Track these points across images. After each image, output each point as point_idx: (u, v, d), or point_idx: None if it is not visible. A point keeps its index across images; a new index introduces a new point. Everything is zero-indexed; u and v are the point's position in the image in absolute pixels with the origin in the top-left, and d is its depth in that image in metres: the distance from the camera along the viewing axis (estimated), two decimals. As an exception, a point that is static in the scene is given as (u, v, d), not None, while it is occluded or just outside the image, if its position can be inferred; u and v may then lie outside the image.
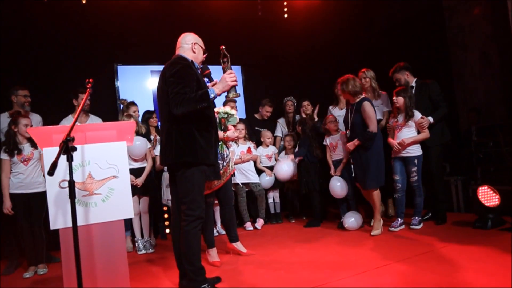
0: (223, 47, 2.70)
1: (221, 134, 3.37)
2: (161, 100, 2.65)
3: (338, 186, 4.30)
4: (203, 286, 2.54)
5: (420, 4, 5.79)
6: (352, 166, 4.13)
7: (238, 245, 3.62)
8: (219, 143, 3.33)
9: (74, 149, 1.82)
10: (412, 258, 2.97)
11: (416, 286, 2.42)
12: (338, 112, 4.75)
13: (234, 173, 4.76)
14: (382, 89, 4.60)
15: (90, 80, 2.20)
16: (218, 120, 3.37)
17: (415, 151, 3.92)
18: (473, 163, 4.45)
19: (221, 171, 3.34)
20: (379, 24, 6.39)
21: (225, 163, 3.42)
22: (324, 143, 4.61)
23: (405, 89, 3.98)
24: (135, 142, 4.03)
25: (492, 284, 2.34)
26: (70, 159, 1.79)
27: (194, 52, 2.75)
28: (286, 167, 4.75)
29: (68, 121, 4.11)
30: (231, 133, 3.47)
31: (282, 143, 5.35)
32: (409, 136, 3.91)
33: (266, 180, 4.97)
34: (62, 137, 1.80)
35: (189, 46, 2.74)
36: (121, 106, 4.56)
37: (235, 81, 2.54)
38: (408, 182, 3.99)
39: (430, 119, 3.95)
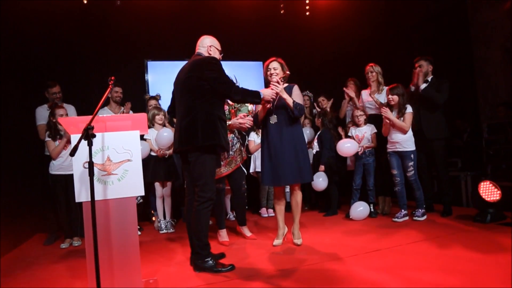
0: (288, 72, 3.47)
1: None
2: (183, 91, 2.93)
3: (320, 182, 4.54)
4: (206, 259, 2.89)
5: (444, 0, 5.79)
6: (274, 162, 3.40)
7: (244, 229, 3.94)
8: None
9: (94, 136, 2.20)
10: (401, 247, 3.19)
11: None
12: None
13: (255, 163, 5.10)
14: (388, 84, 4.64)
15: (112, 77, 2.58)
16: (227, 111, 3.66)
17: (410, 146, 4.06)
18: (484, 159, 4.50)
19: (228, 160, 3.60)
20: (402, 21, 6.42)
21: (232, 152, 3.64)
22: (350, 134, 4.68)
23: (398, 86, 4.09)
24: (163, 133, 4.37)
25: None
26: (90, 144, 2.18)
27: (210, 54, 3.09)
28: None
29: (103, 111, 4.58)
30: (234, 120, 3.59)
31: None
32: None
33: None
34: (84, 126, 2.20)
35: (205, 48, 3.10)
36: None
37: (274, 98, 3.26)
38: (405, 177, 4.13)
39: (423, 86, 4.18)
